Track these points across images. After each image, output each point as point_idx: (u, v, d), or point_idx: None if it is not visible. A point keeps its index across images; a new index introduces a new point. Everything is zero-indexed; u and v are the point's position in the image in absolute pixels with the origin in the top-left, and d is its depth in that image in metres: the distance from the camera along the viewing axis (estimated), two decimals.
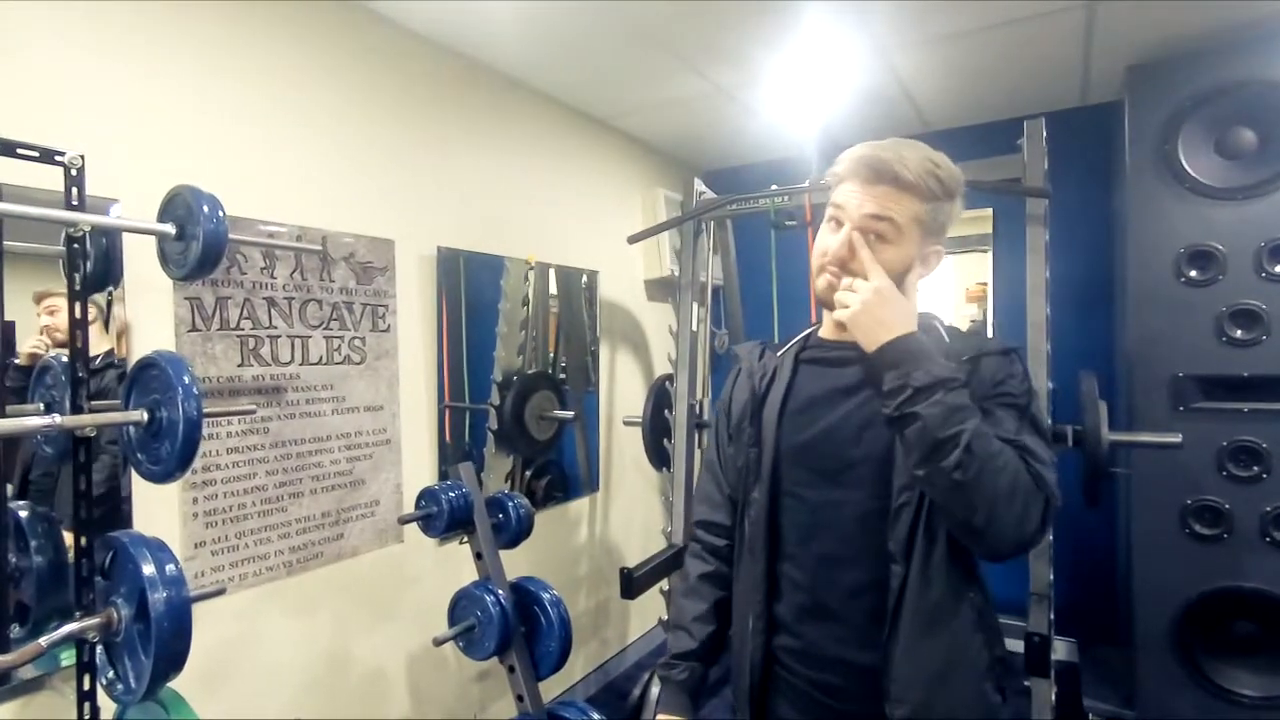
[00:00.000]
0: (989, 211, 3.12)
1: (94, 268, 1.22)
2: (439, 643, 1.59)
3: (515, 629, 1.69)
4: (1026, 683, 2.28)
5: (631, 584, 2.10)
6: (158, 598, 1.12)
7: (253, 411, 1.52)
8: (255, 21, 1.64)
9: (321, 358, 1.76)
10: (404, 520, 1.64)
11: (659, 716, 1.04)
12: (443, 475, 2.07)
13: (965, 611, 0.92)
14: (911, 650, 0.88)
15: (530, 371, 2.48)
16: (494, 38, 2.12)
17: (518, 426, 2.43)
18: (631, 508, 3.07)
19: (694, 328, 2.46)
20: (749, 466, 1.03)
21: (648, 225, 2.97)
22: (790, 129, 2.88)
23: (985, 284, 4.81)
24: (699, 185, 2.50)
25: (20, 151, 1.09)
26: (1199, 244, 2.13)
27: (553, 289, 2.60)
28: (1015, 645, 2.73)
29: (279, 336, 1.67)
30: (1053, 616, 1.81)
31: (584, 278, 2.77)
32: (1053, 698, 1.80)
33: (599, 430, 2.85)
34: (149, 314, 1.43)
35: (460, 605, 1.71)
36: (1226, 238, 2.10)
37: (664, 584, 2.35)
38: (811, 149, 2.92)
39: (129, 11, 1.41)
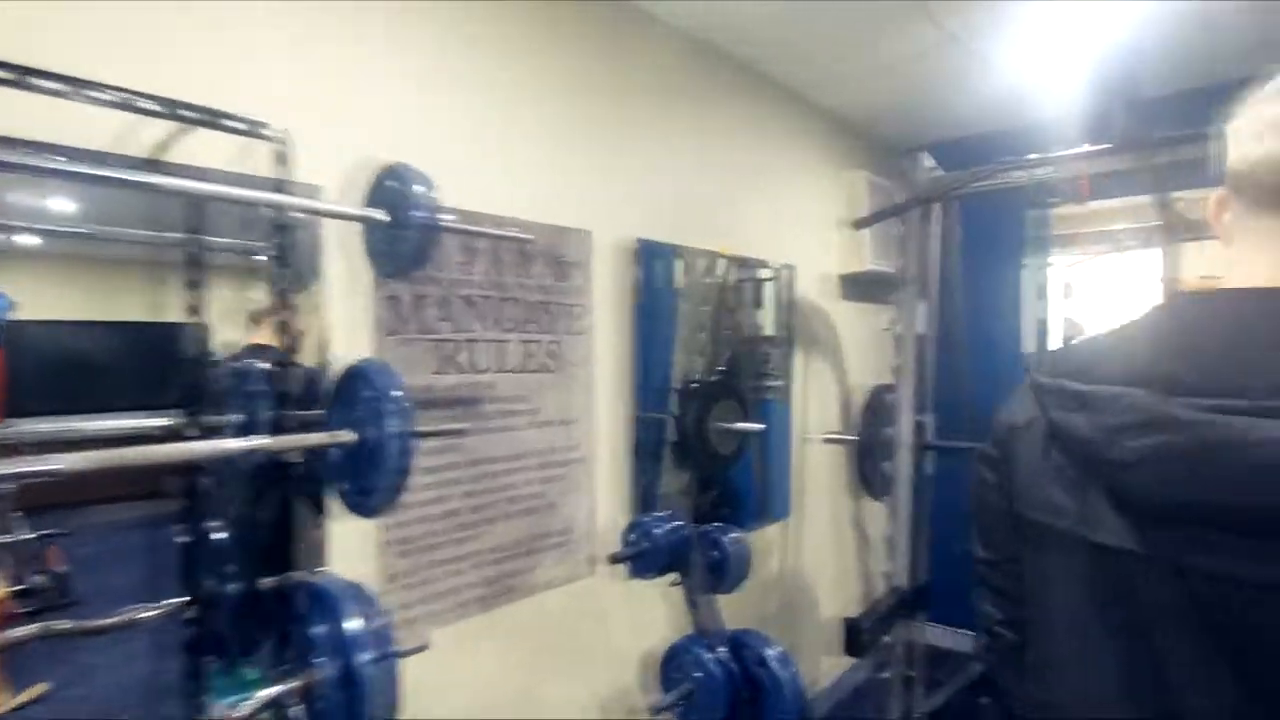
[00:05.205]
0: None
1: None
2: (658, 711, 1.31)
3: (740, 695, 1.39)
4: None
5: (859, 639, 1.74)
6: (364, 659, 0.92)
7: (465, 431, 1.32)
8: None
9: (517, 365, 1.55)
10: (616, 559, 1.39)
11: None
12: (644, 501, 1.80)
13: None
14: None
15: (713, 379, 2.18)
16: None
17: (699, 440, 2.12)
18: (822, 538, 2.69)
19: (920, 329, 2.05)
20: None
21: (850, 213, 2.59)
22: (1033, 84, 2.34)
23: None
24: (927, 160, 2.08)
25: (225, 123, 0.93)
26: None
27: (740, 283, 2.29)
28: None
29: (476, 340, 1.47)
30: None
31: (775, 272, 2.42)
32: None
33: (788, 447, 2.50)
34: (345, 315, 1.27)
35: (673, 664, 1.44)
36: None
37: (887, 637, 1.96)
38: (1064, 107, 2.36)
39: None
